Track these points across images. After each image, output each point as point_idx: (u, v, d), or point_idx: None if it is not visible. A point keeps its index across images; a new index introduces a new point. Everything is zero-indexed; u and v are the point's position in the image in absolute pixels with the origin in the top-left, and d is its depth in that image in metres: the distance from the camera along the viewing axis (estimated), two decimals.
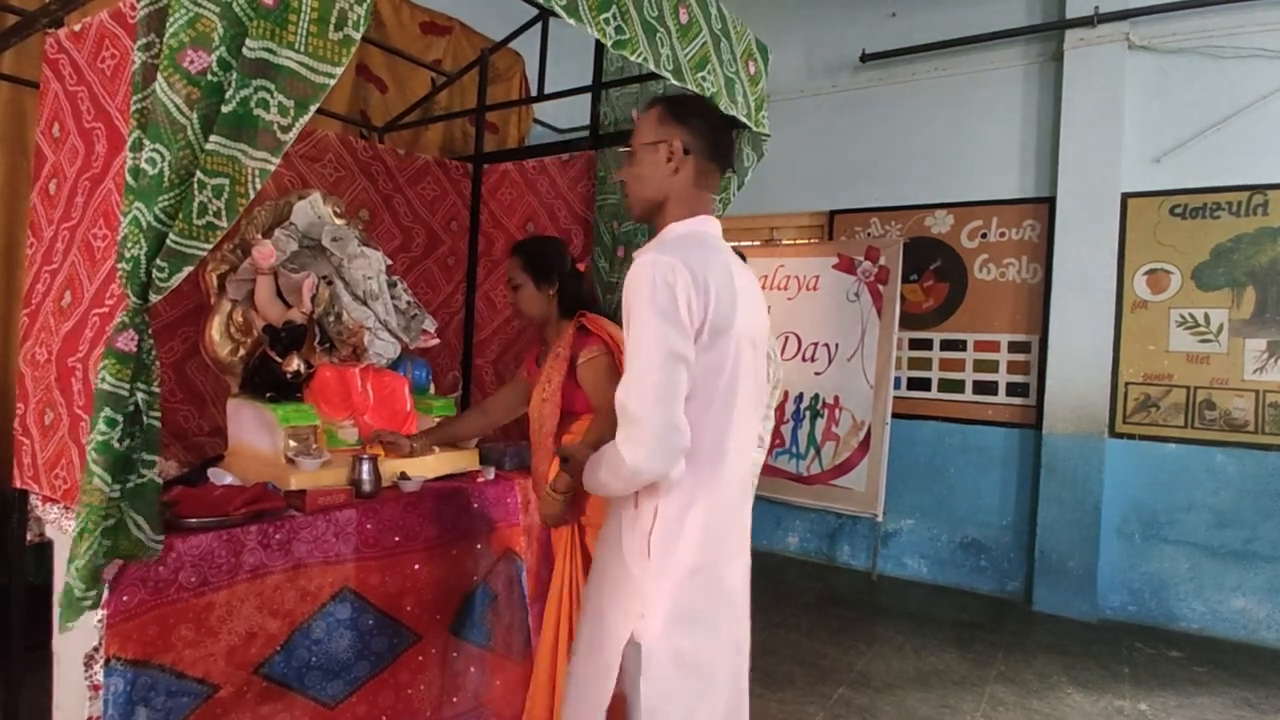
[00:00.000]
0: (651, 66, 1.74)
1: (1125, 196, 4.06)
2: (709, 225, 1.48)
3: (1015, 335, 4.41)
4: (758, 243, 5.29)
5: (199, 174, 1.31)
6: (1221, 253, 3.89)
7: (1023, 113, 4.39)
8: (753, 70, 2.34)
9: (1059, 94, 4.23)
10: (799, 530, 4.97)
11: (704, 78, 2.00)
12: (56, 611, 1.82)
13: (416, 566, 2.09)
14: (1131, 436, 4.06)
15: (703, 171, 1.46)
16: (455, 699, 2.15)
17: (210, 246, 1.39)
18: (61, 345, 1.76)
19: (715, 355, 1.35)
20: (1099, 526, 4.04)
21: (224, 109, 1.27)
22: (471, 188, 3.14)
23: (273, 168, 1.32)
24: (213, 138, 1.29)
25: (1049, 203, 4.28)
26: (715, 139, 1.46)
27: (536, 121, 5.29)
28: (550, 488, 1.88)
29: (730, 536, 1.46)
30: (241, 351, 2.22)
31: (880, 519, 4.50)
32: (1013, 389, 4.41)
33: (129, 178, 1.45)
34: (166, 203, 1.37)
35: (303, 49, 1.23)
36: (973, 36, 4.42)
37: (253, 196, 1.34)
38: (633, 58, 1.68)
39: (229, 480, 1.98)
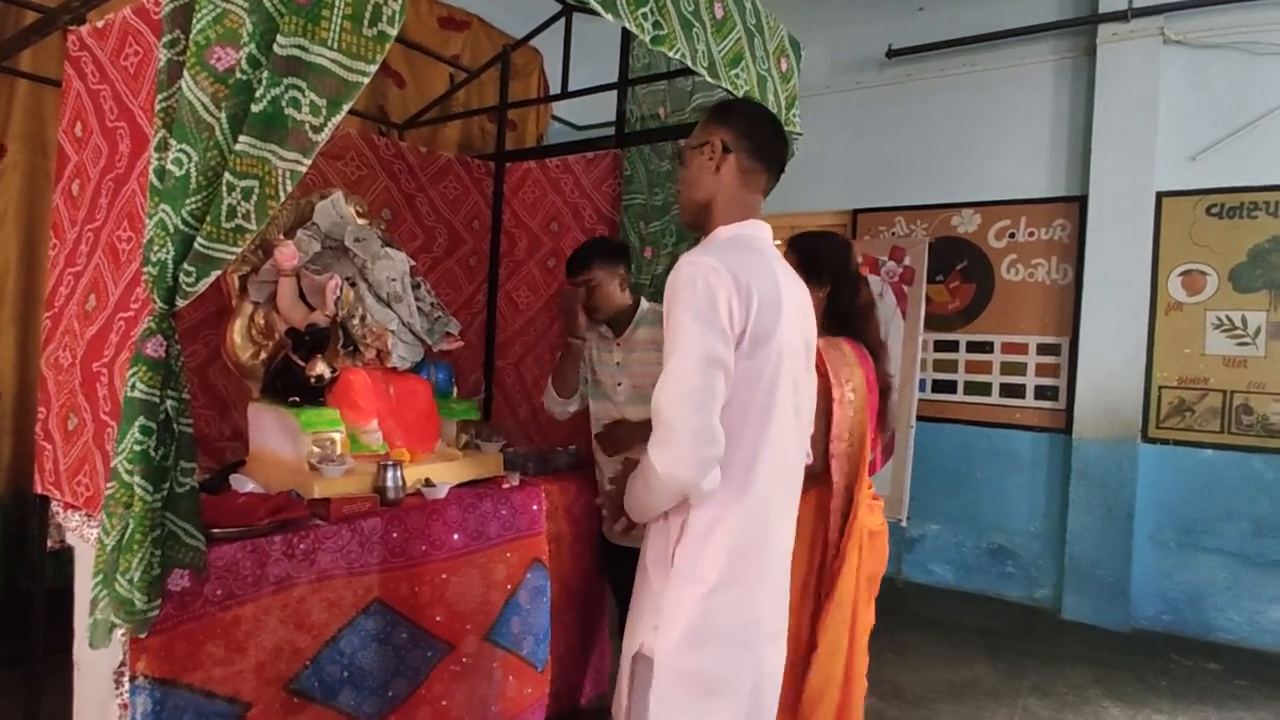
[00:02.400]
0: (688, 62, 1.68)
1: (1160, 195, 3.96)
2: (758, 230, 1.43)
3: (1044, 337, 4.31)
4: (779, 242, 5.19)
5: (228, 175, 1.26)
6: (1259, 254, 3.78)
7: (1053, 109, 4.29)
8: (784, 67, 2.27)
9: (1091, 90, 4.13)
10: None
11: (737, 75, 1.93)
12: (83, 622, 1.79)
13: (444, 576, 2.04)
14: (1165, 442, 3.96)
15: (747, 171, 1.41)
16: (495, 707, 2.10)
17: (239, 250, 1.34)
18: (86, 350, 1.72)
19: (755, 364, 1.30)
20: (1132, 534, 3.94)
21: (254, 108, 1.22)
22: (494, 186, 3.08)
23: (304, 169, 1.27)
24: (242, 138, 1.24)
25: (1080, 202, 4.18)
26: (759, 138, 1.43)
27: (555, 119, 5.24)
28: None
29: (763, 557, 1.38)
30: (263, 355, 2.17)
31: (905, 524, 4.41)
32: (1041, 392, 4.32)
33: (154, 179, 1.41)
34: (194, 205, 1.32)
35: (335, 46, 1.17)
36: (1003, 31, 4.32)
37: (283, 199, 1.28)
38: (670, 53, 1.62)
39: (251, 487, 1.94)
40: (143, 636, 1.43)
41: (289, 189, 1.28)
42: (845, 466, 1.92)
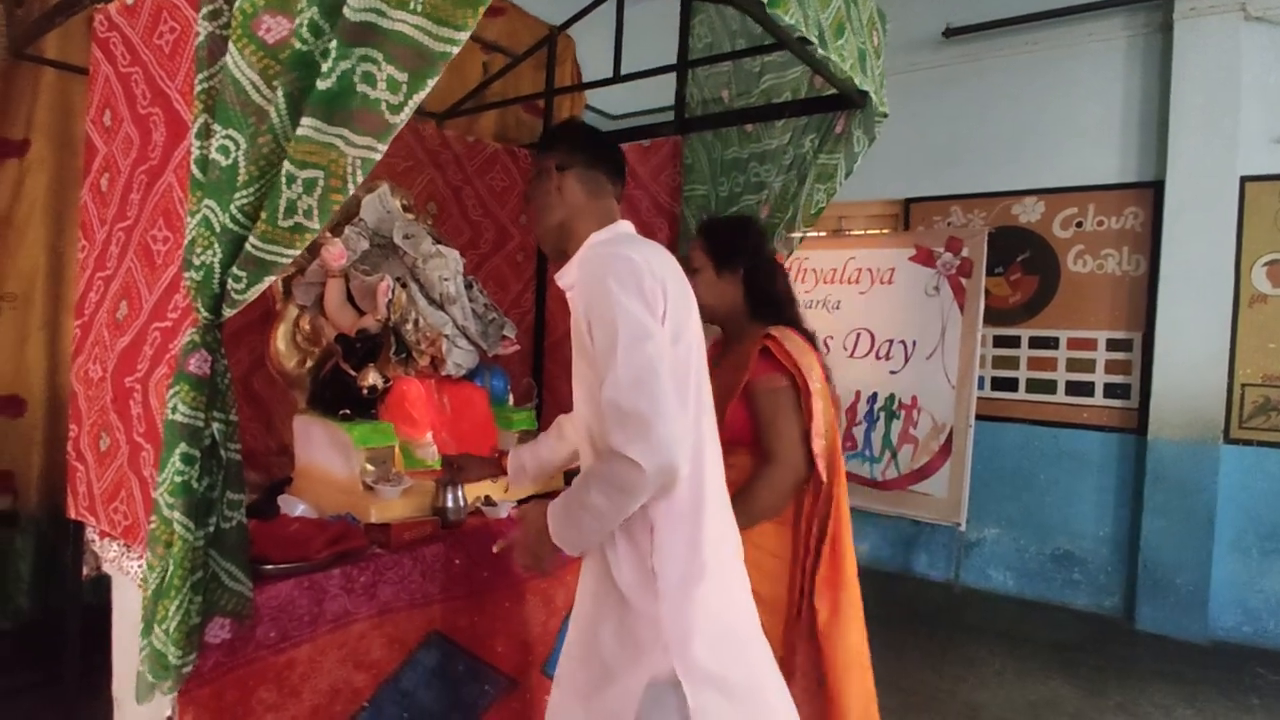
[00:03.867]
0: (802, 29, 1.47)
1: (1243, 180, 3.69)
2: (626, 228, 1.43)
3: (1114, 332, 4.07)
4: (823, 233, 4.98)
5: (287, 165, 1.08)
6: None
7: (1125, 89, 4.03)
8: (876, 41, 2.06)
9: (1167, 69, 3.86)
10: (870, 537, 4.70)
11: (842, 45, 1.73)
12: (124, 659, 1.63)
13: (507, 605, 1.87)
14: (1249, 443, 3.71)
15: (587, 180, 1.42)
16: None
17: (297, 252, 1.17)
18: (117, 362, 1.56)
19: (680, 351, 1.26)
20: (1212, 540, 3.70)
21: (319, 85, 1.03)
22: None
23: (377, 157, 1.09)
24: (304, 121, 1.05)
25: (1155, 188, 3.92)
26: (585, 148, 1.44)
27: (589, 108, 5.04)
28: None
29: (726, 541, 1.35)
30: (309, 363, 2.00)
31: (963, 528, 4.20)
32: (1111, 390, 4.08)
33: (195, 170, 1.24)
34: (245, 200, 1.15)
35: (419, 9, 0.98)
36: (1069, 7, 4.06)
37: (350, 192, 1.10)
38: (786, 18, 1.42)
39: (301, 510, 1.77)
40: (175, 694, 1.26)
41: (359, 180, 1.10)
42: (825, 462, 1.76)
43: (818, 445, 1.76)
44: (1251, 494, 3.69)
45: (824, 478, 1.77)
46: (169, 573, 1.21)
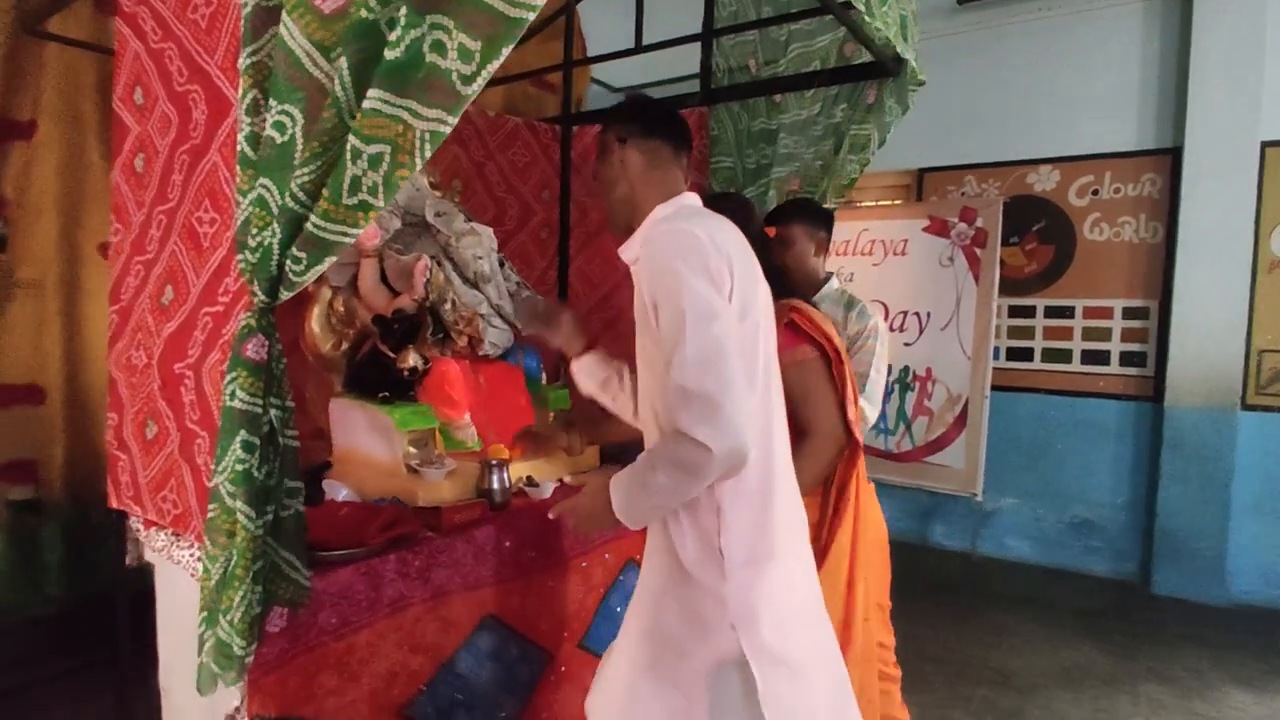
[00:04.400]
0: None
1: (1264, 145, 3.66)
2: (692, 200, 1.40)
3: (1131, 300, 4.06)
4: (835, 205, 4.93)
5: (353, 140, 1.04)
6: None
7: (1142, 54, 3.98)
8: (914, 6, 2.02)
9: (1187, 32, 3.81)
10: (886, 509, 4.63)
11: (886, 11, 1.68)
12: (174, 650, 1.62)
13: (551, 584, 1.86)
14: (1267, 409, 3.72)
15: (648, 151, 1.38)
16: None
17: (360, 231, 1.13)
18: (164, 349, 1.52)
19: (748, 328, 1.23)
20: (1229, 505, 3.73)
21: (387, 55, 0.99)
22: (561, 152, 2.84)
23: (447, 131, 1.04)
24: (371, 93, 1.01)
25: (1173, 154, 3.89)
26: (642, 117, 1.41)
27: (594, 81, 4.96)
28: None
29: (795, 522, 1.34)
30: (345, 345, 1.97)
31: (980, 498, 4.22)
32: (1127, 358, 4.08)
33: (246, 148, 1.19)
34: (306, 177, 1.11)
35: None
36: None
37: (419, 166, 1.06)
38: None
39: (345, 494, 1.75)
40: (239, 685, 1.24)
41: (427, 155, 1.06)
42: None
43: (852, 412, 1.78)
44: (1270, 459, 3.71)
45: (860, 442, 1.80)
46: (232, 563, 1.19)
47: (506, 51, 0.99)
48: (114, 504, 1.72)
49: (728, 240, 1.25)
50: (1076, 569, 4.20)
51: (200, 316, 1.42)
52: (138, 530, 1.69)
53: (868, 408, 2.02)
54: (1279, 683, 2.95)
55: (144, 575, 1.72)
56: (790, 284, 1.90)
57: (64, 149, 2.60)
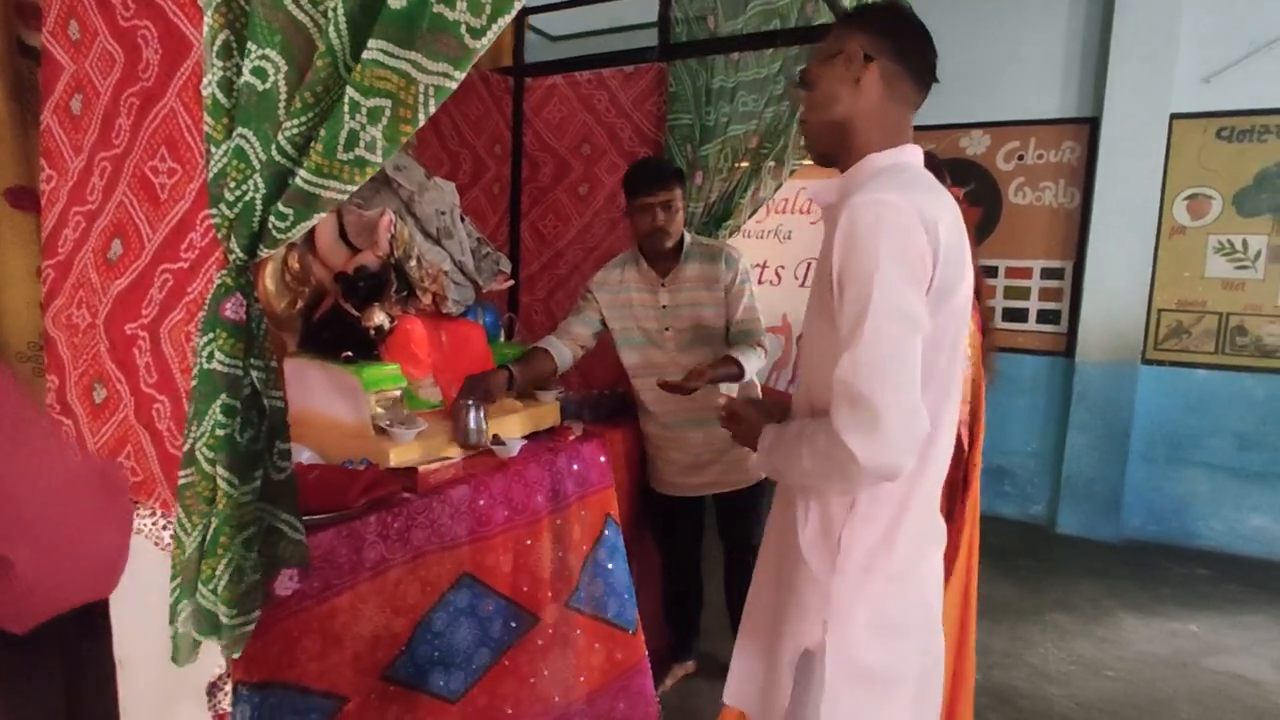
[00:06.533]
0: None
1: (1172, 117, 3.91)
2: (915, 156, 1.19)
3: (1049, 261, 4.31)
4: (796, 165, 4.98)
5: (351, 92, 0.99)
6: (1266, 178, 3.81)
7: (1068, 26, 4.15)
8: None
9: (1110, 8, 3.99)
10: None
11: None
12: (143, 622, 1.55)
13: (528, 542, 1.87)
14: (1162, 363, 4.06)
15: (892, 79, 1.16)
16: (583, 677, 1.98)
17: (354, 188, 1.08)
18: (113, 307, 1.42)
19: (939, 324, 1.09)
20: (1127, 451, 4.08)
21: (390, 4, 0.94)
22: (512, 105, 2.76)
23: (453, 85, 1.00)
24: (372, 43, 0.96)
25: (1091, 123, 4.11)
26: (903, 37, 1.18)
27: (532, 29, 4.79)
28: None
29: (930, 530, 1.26)
30: (300, 303, 1.89)
31: None
32: (1044, 316, 4.35)
33: (217, 94, 1.11)
34: (295, 129, 1.05)
35: None
36: None
37: (421, 123, 1.02)
38: None
39: (307, 456, 1.71)
40: (236, 656, 1.22)
41: (430, 111, 1.02)
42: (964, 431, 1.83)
43: (962, 410, 1.80)
44: (1162, 409, 4.07)
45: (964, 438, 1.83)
46: (213, 529, 1.15)
47: (520, 4, 0.96)
48: None
49: (942, 219, 1.07)
50: (989, 512, 4.51)
51: (159, 274, 1.33)
52: None
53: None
54: (1161, 607, 3.30)
55: None
56: None
57: None
